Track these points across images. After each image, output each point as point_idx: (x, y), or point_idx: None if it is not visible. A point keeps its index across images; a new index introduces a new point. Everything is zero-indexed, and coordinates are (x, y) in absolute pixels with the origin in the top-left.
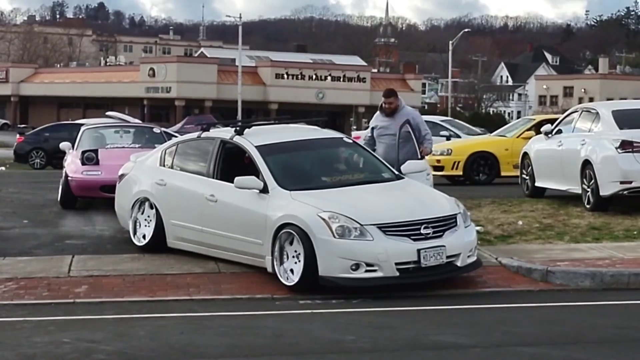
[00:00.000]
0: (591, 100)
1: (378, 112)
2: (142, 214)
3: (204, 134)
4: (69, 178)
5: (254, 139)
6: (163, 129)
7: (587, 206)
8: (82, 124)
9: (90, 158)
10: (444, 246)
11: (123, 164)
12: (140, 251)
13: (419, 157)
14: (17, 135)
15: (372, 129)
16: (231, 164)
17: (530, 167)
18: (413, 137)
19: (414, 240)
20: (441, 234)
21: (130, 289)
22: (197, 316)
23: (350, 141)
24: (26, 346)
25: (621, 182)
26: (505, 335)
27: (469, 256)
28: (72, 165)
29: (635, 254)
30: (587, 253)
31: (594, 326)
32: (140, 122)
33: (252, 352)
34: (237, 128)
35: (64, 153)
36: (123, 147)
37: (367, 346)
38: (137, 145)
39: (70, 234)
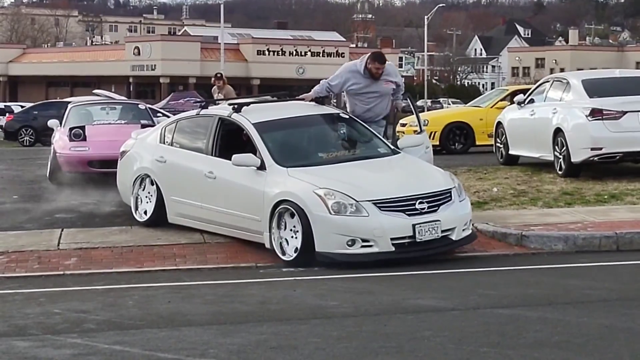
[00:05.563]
0: (562, 70)
1: (357, 73)
2: (143, 190)
3: (203, 112)
4: (57, 154)
5: (252, 116)
6: (148, 105)
7: (559, 172)
8: (70, 102)
9: (77, 134)
10: (439, 220)
11: (110, 139)
12: (127, 224)
13: (387, 112)
14: (6, 114)
15: (332, 86)
16: (229, 141)
17: (504, 136)
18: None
19: (409, 215)
20: (436, 208)
21: (118, 261)
22: (184, 285)
23: (347, 117)
24: (18, 317)
25: (592, 149)
26: (482, 297)
27: (463, 229)
28: (60, 142)
29: (606, 217)
30: (559, 217)
31: (567, 288)
32: (126, 99)
33: (237, 319)
34: (235, 105)
35: (52, 130)
36: (109, 124)
37: (349, 311)
38: (123, 122)
39: (60, 208)
